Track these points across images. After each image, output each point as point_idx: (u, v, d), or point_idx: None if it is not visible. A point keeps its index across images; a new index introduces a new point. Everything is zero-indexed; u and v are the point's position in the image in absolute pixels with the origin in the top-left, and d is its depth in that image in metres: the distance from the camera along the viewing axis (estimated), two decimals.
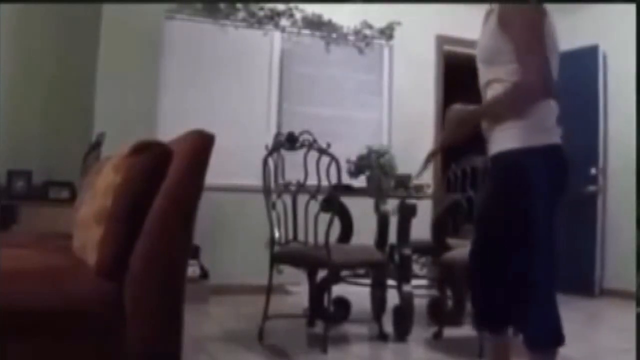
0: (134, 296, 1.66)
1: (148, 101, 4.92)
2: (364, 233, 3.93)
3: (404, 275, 3.59)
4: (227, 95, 5.34)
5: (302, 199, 3.52)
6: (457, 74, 6.31)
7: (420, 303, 3.88)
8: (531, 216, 2.09)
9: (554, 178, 2.10)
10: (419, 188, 3.82)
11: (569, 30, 6.12)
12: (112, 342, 1.65)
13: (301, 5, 5.47)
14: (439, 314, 3.83)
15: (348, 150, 3.93)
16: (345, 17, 5.68)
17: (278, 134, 3.71)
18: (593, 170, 5.62)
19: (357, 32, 5.71)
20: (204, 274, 4.87)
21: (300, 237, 3.50)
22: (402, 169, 3.85)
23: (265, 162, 3.53)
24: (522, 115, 2.09)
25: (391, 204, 3.91)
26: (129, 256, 1.69)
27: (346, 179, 3.62)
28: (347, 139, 5.15)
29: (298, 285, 4.64)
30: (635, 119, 5.17)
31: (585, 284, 5.48)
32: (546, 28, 2.12)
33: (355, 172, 3.83)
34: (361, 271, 3.93)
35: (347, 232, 3.94)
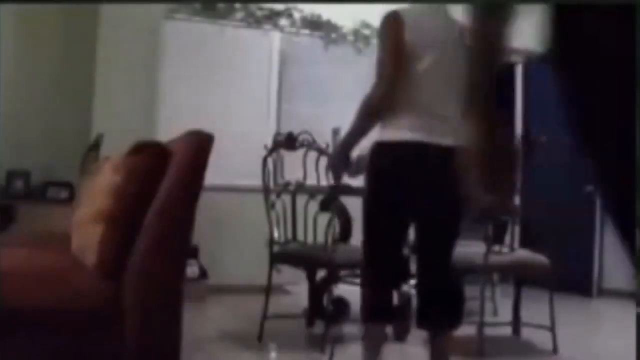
0: (133, 296, 1.67)
1: (147, 101, 4.92)
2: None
3: (403, 275, 3.59)
4: (226, 95, 5.34)
5: (302, 198, 3.52)
6: None
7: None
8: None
9: None
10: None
11: None
12: (111, 342, 1.65)
13: (300, 5, 5.47)
14: None
15: None
16: (344, 17, 5.68)
17: (277, 134, 3.71)
18: None
19: (356, 32, 5.71)
20: (203, 274, 4.87)
21: (300, 237, 3.50)
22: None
23: (264, 162, 3.53)
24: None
25: None
26: (128, 256, 1.70)
27: (346, 179, 3.62)
28: None
29: (297, 285, 4.64)
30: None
31: (583, 283, 5.48)
32: (410, 32, 2.18)
33: (354, 172, 3.83)
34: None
35: (346, 232, 3.94)
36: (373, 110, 2.24)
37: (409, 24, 2.20)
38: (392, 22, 2.21)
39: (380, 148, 2.26)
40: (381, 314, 2.38)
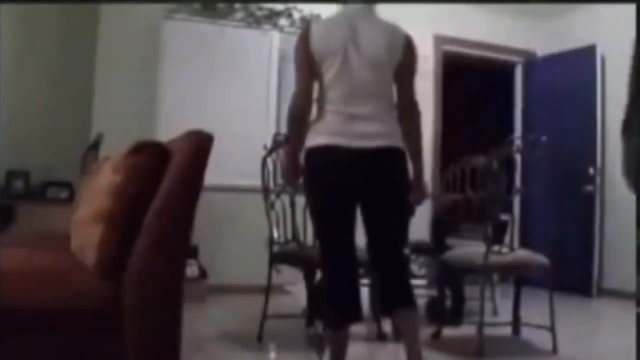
0: (133, 296, 1.67)
1: (146, 101, 4.92)
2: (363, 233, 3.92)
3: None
4: (226, 95, 5.34)
5: (301, 199, 3.52)
6: (455, 74, 6.32)
7: (419, 303, 3.86)
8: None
9: None
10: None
11: (567, 30, 6.13)
12: (111, 341, 1.65)
13: (299, 5, 5.47)
14: (437, 314, 3.83)
15: None
16: None
17: (277, 134, 3.71)
18: (591, 170, 5.63)
19: None
20: (203, 274, 4.87)
21: (299, 237, 3.50)
22: None
23: (264, 162, 3.53)
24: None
25: None
26: (127, 256, 1.70)
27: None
28: None
29: (297, 285, 4.64)
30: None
31: (583, 283, 5.49)
32: (317, 44, 2.35)
33: None
34: (360, 271, 3.92)
35: None
36: (293, 119, 2.41)
37: (317, 36, 2.36)
38: (301, 38, 2.41)
39: (306, 153, 2.39)
40: (349, 317, 2.44)
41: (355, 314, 2.45)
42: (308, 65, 2.37)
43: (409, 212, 3.62)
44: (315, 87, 2.42)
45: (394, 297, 2.39)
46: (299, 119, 2.40)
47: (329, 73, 2.34)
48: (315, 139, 2.35)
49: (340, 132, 2.30)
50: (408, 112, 2.44)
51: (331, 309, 2.45)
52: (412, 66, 2.44)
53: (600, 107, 5.64)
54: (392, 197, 2.36)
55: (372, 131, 2.30)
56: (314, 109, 2.43)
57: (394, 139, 2.34)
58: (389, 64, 2.36)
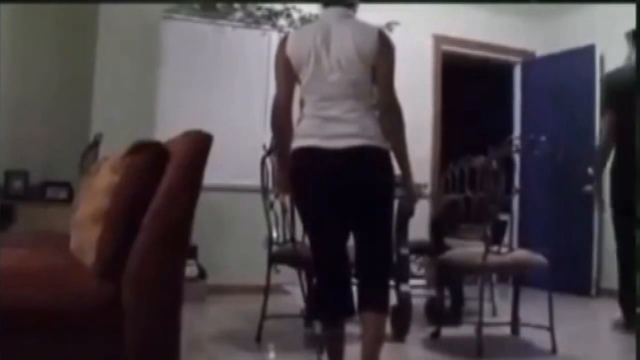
0: (131, 296, 1.66)
1: (146, 101, 4.92)
2: None
3: (402, 275, 3.59)
4: (225, 95, 5.33)
5: None
6: (455, 74, 6.32)
7: (418, 303, 3.88)
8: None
9: None
10: (416, 188, 3.82)
11: (566, 30, 6.13)
12: (110, 342, 1.65)
13: (299, 5, 5.47)
14: (436, 314, 3.84)
15: None
16: None
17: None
18: (590, 170, 5.62)
19: None
20: (202, 274, 4.87)
21: (298, 237, 3.50)
22: (398, 169, 3.84)
23: (263, 162, 3.53)
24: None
25: None
26: (126, 256, 1.70)
27: None
28: None
29: (296, 285, 4.64)
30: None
31: (582, 284, 5.49)
32: (293, 50, 2.41)
33: None
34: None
35: None
36: (275, 124, 2.55)
37: (293, 44, 2.43)
38: (279, 46, 2.49)
39: (291, 155, 2.44)
40: (340, 311, 2.44)
41: (346, 309, 2.44)
42: (286, 73, 2.44)
43: (408, 212, 3.63)
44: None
45: (363, 299, 2.39)
46: (279, 126, 2.52)
47: (305, 78, 2.38)
48: (294, 142, 2.41)
49: (313, 134, 2.35)
50: (386, 110, 2.42)
51: (322, 305, 2.47)
52: (386, 63, 2.44)
53: (599, 107, 5.64)
54: (369, 197, 2.35)
55: (346, 132, 2.31)
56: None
57: (371, 138, 2.33)
58: (361, 63, 2.36)
